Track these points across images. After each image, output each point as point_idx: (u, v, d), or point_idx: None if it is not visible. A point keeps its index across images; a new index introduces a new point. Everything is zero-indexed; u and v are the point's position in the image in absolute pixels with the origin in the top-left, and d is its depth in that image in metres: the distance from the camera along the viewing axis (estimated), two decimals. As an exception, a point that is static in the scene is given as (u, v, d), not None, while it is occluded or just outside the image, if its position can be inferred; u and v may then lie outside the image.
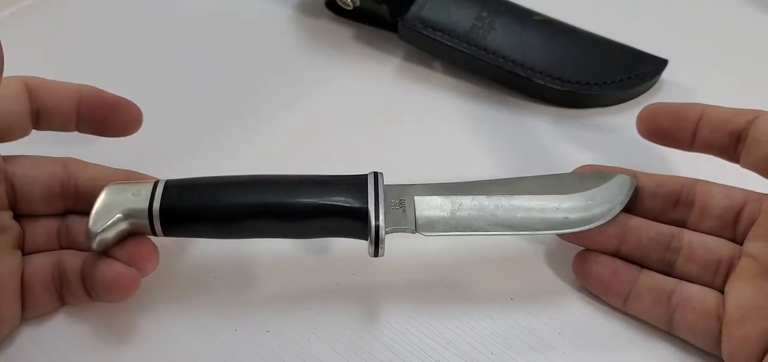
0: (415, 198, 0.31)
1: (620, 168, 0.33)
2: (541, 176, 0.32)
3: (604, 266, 0.32)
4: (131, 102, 0.32)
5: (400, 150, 0.40)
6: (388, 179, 0.31)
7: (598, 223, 0.31)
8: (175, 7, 0.50)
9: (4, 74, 0.27)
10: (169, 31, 0.48)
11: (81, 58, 0.46)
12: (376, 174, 0.31)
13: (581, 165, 0.34)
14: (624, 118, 0.42)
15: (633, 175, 0.33)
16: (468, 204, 0.31)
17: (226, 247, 0.34)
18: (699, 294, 0.30)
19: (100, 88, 0.32)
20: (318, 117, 0.42)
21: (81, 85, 0.32)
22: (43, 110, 0.31)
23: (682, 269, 0.31)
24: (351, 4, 0.45)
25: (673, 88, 0.44)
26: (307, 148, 0.40)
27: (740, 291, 0.29)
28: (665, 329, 0.30)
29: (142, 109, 0.32)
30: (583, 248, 0.33)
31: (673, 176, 0.32)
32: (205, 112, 0.42)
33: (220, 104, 0.43)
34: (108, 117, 0.32)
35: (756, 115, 0.29)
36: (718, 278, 0.30)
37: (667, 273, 0.31)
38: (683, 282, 0.30)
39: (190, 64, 0.46)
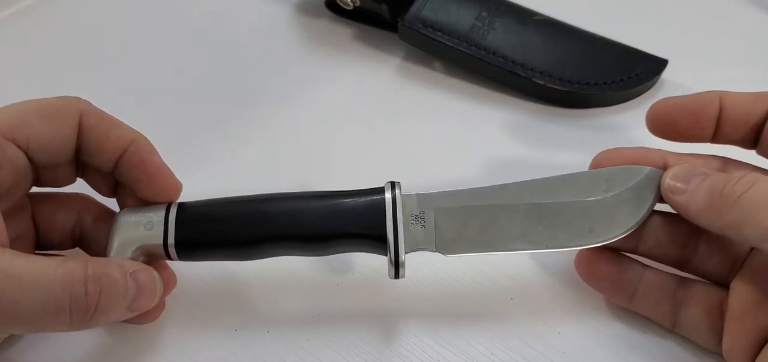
0: (436, 211, 0.29)
1: (647, 150, 0.30)
2: (566, 177, 0.30)
3: (611, 264, 0.31)
4: (173, 177, 0.30)
5: (399, 150, 0.40)
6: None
7: (627, 232, 0.29)
8: (175, 7, 0.50)
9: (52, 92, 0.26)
10: (169, 31, 0.48)
11: (81, 59, 0.46)
12: (393, 184, 0.30)
13: (605, 149, 0.31)
14: (624, 118, 0.42)
15: (662, 161, 0.30)
16: (489, 221, 0.29)
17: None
18: (704, 290, 0.29)
19: (152, 145, 0.30)
20: (318, 117, 0.42)
21: (135, 137, 0.29)
22: (85, 149, 0.29)
23: (697, 266, 0.30)
24: (351, 4, 0.45)
25: (673, 88, 0.44)
26: (307, 148, 0.40)
27: (745, 286, 0.28)
28: (668, 327, 0.30)
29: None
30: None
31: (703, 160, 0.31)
32: (205, 112, 0.42)
33: (220, 104, 0.43)
34: (142, 181, 0.29)
35: None
36: (731, 275, 0.29)
37: (680, 268, 0.30)
38: (688, 278, 0.30)
39: (190, 63, 0.46)
